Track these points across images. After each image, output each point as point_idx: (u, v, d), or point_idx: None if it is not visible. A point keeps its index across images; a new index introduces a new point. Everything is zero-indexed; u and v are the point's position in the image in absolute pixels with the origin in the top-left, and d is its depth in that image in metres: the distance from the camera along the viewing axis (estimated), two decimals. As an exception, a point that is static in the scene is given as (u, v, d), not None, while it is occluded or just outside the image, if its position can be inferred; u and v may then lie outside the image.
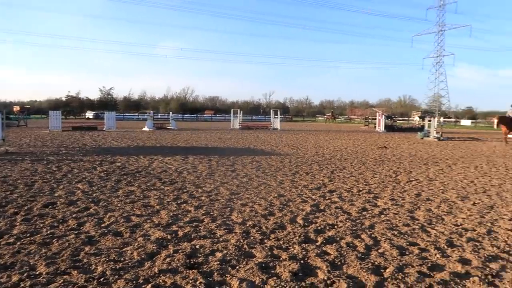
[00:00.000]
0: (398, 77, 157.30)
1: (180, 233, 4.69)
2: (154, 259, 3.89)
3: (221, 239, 4.51)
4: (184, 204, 6.14)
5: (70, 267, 3.63)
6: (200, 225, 5.06)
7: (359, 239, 4.64)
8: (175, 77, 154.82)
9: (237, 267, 3.71)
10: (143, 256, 3.93)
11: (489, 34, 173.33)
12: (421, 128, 30.29)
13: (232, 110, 37.33)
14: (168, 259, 3.86)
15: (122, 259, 3.85)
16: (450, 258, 4.11)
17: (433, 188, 8.03)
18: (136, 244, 4.29)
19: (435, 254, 4.19)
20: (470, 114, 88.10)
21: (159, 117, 59.14)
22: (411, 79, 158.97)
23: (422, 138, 24.58)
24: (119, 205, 6.00)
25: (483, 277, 3.60)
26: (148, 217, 5.39)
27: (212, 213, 5.64)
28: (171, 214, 5.54)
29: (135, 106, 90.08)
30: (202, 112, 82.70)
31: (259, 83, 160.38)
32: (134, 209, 5.79)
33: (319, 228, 5.05)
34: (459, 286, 3.43)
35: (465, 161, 13.14)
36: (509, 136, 21.85)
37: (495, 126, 22.99)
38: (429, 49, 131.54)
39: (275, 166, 10.74)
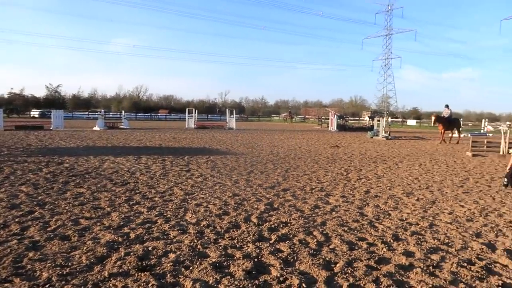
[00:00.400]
0: (349, 78, 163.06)
1: (132, 235, 4.57)
2: (104, 262, 3.77)
3: (174, 240, 4.46)
4: (137, 206, 5.99)
5: (12, 274, 3.43)
6: (153, 226, 4.96)
7: (311, 236, 4.76)
8: (128, 75, 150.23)
9: (191, 268, 3.68)
10: (92, 260, 3.79)
11: (432, 39, 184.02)
12: (371, 128, 31.56)
13: (187, 109, 36.82)
14: (119, 262, 3.75)
15: (69, 264, 3.69)
16: (396, 251, 4.33)
17: (381, 185, 8.41)
18: (85, 248, 4.13)
19: (382, 248, 4.40)
20: (416, 114, 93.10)
21: (111, 116, 57.09)
22: (361, 80, 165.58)
23: (371, 137, 25.62)
24: (66, 208, 5.74)
25: (425, 268, 3.83)
26: (98, 219, 5.20)
27: (165, 214, 5.55)
28: (123, 216, 5.39)
29: (85, 104, 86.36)
30: (156, 111, 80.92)
31: (215, 82, 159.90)
32: (83, 211, 5.57)
33: (273, 226, 5.13)
34: (403, 278, 3.63)
35: (411, 159, 13.87)
36: (453, 135, 23.32)
37: (432, 123, 24.03)
38: (378, 52, 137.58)
39: (230, 165, 10.75)
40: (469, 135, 28.49)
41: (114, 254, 3.97)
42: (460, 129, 24.58)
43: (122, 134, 23.14)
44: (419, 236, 4.90)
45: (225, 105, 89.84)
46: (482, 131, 36.55)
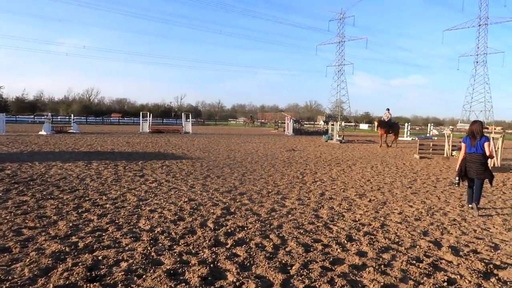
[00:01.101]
0: (305, 83, 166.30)
1: (81, 245, 4.34)
2: (49, 274, 3.54)
3: (126, 248, 4.28)
4: (86, 213, 5.71)
5: None
6: (103, 234, 4.74)
7: (268, 239, 4.76)
8: (78, 77, 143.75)
9: (144, 276, 3.55)
10: (36, 273, 3.55)
11: (382, 47, 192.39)
12: (326, 132, 32.38)
13: (141, 113, 35.85)
14: (65, 274, 3.54)
15: (9, 277, 3.43)
16: (349, 251, 4.43)
17: (336, 187, 8.61)
18: (28, 259, 3.86)
19: (337, 249, 4.48)
20: (367, 119, 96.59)
21: (59, 120, 54.37)
22: (316, 85, 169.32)
23: (326, 141, 26.27)
24: (7, 217, 5.35)
25: (377, 267, 3.95)
26: (43, 229, 4.89)
27: (117, 221, 5.33)
28: (71, 224, 5.11)
29: (30, 108, 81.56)
30: (109, 115, 78.12)
31: (171, 85, 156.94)
32: (27, 221, 5.21)
33: (229, 230, 5.08)
34: (356, 277, 3.71)
35: (363, 161, 14.35)
36: (399, 139, 24.20)
37: (375, 128, 23.97)
38: (332, 58, 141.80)
39: (186, 170, 10.57)
40: (416, 138, 30.00)
41: (61, 265, 3.74)
42: (398, 133, 24.45)
43: (71, 138, 22.08)
44: (371, 236, 5.05)
45: (181, 109, 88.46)
46: (428, 134, 38.61)
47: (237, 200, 6.94)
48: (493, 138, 12.33)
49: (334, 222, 5.68)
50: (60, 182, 8.16)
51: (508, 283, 3.69)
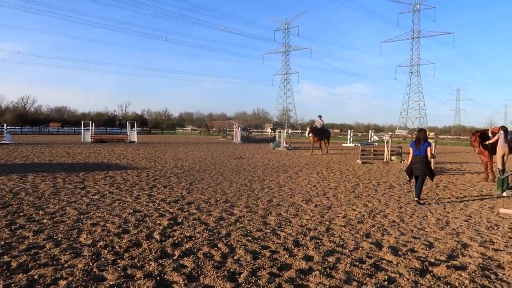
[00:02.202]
0: (252, 91, 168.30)
1: (14, 264, 4.03)
2: (-24, 299, 3.25)
3: (66, 265, 4.04)
4: (20, 230, 5.32)
5: None
6: (40, 252, 4.45)
7: (216, 248, 4.73)
8: (11, 84, 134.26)
9: (85, 294, 3.37)
10: (-40, 298, 3.25)
11: (326, 57, 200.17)
12: (273, 139, 32.88)
13: (82, 122, 34.21)
14: (-4, 297, 3.27)
15: None
16: (297, 256, 4.52)
17: (283, 194, 8.76)
18: (-48, 284, 3.52)
19: (284, 255, 4.55)
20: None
21: (-10, 130, 50.39)
22: (263, 94, 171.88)
23: (274, 148, 26.66)
24: None
25: (322, 270, 4.06)
26: (-30, 249, 4.48)
27: (55, 237, 5.03)
28: (2, 242, 4.73)
29: (-45, 117, 74.85)
30: (47, 124, 73.71)
31: (114, 93, 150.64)
32: (-50, 241, 4.76)
33: (176, 241, 4.98)
34: (303, 282, 3.79)
35: (309, 168, 14.74)
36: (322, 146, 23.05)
37: (307, 135, 23.55)
38: (278, 67, 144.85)
39: (131, 180, 10.22)
40: (358, 144, 31.38)
41: (-10, 288, 3.45)
42: (329, 139, 24.13)
43: (3, 150, 20.50)
44: (317, 241, 5.19)
45: (126, 118, 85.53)
46: (369, 140, 40.56)
47: (185, 210, 6.83)
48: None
49: (282, 228, 5.77)
50: (-10, 197, 7.54)
51: (442, 278, 3.96)
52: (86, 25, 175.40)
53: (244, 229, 5.67)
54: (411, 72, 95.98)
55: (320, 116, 23.41)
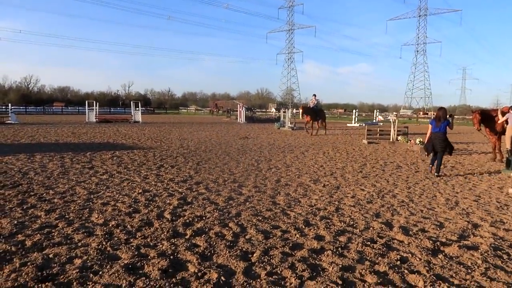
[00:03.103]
0: (256, 71, 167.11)
1: (29, 243, 4.07)
2: (-6, 277, 3.28)
3: (79, 244, 4.08)
4: (32, 209, 5.36)
5: None
6: (53, 231, 4.48)
7: (227, 228, 4.75)
8: (14, 64, 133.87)
9: (100, 273, 3.40)
10: (-22, 276, 3.28)
11: (330, 35, 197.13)
12: (278, 119, 32.76)
13: (86, 102, 34.15)
14: (13, 275, 3.30)
15: None
16: (308, 236, 4.53)
17: (290, 174, 8.76)
18: (-32, 262, 3.55)
19: (295, 234, 4.56)
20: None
21: (-5, 110, 50.51)
22: (267, 73, 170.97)
23: (278, 128, 26.59)
24: None
25: (334, 250, 4.07)
26: (-17, 228, 4.52)
27: (67, 216, 5.06)
28: (15, 222, 4.77)
29: (-42, 97, 74.92)
30: (51, 104, 73.75)
31: (117, 73, 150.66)
32: (-36, 220, 4.80)
33: (187, 221, 5.00)
34: (316, 261, 3.80)
35: (315, 148, 14.71)
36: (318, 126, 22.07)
37: (300, 116, 22.24)
38: (282, 46, 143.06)
39: (138, 160, 10.25)
40: (364, 124, 31.23)
41: (7, 266, 3.48)
42: (325, 119, 23.13)
43: (9, 130, 20.58)
44: (328, 220, 5.19)
45: (129, 98, 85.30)
46: (374, 120, 40.34)
47: (194, 190, 6.85)
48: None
49: (291, 208, 5.78)
50: None
51: (454, 258, 3.96)
52: (87, 3, 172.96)
53: (254, 209, 5.69)
54: (417, 51, 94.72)
55: (314, 95, 22.61)
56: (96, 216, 5.09)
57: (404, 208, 5.99)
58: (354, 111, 40.50)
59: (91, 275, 3.36)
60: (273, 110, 59.49)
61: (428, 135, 9.13)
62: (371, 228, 4.90)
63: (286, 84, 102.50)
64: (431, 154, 9.20)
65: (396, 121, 18.03)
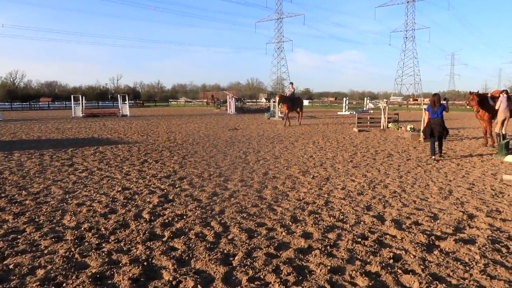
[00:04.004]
0: (245, 61, 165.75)
1: (-11, 252, 3.72)
2: None
3: (45, 252, 3.73)
4: (0, 213, 4.98)
5: None
6: (19, 237, 4.13)
7: (209, 227, 4.43)
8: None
9: (64, 285, 3.07)
10: None
11: (319, 23, 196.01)
12: (268, 109, 32.38)
13: (72, 96, 33.36)
14: (-35, 291, 2.96)
15: None
16: (295, 234, 4.23)
17: (279, 165, 8.45)
18: None
19: (281, 232, 4.27)
20: (308, 94, 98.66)
21: (-21, 107, 49.37)
22: (257, 63, 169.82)
23: (269, 118, 26.23)
24: None
25: (323, 249, 3.78)
26: None
27: (37, 220, 4.70)
28: (-21, 228, 4.40)
29: None
30: (37, 99, 72.35)
31: (105, 66, 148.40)
32: None
33: (166, 221, 4.67)
34: (303, 262, 3.51)
35: (305, 137, 14.41)
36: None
37: (277, 106, 21.11)
38: (271, 35, 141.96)
39: (122, 156, 9.86)
40: (354, 112, 31.00)
41: (-40, 281, 3.14)
42: (303, 108, 21.86)
43: (-9, 127, 19.96)
44: (316, 215, 4.90)
45: (118, 91, 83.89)
46: (364, 108, 40.15)
47: (176, 186, 6.51)
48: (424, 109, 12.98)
49: (278, 203, 5.48)
50: (-29, 177, 7.17)
51: (450, 254, 3.69)
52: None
53: (238, 205, 5.38)
54: (406, 37, 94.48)
55: (291, 83, 22.12)
56: (68, 219, 4.74)
57: (396, 199, 5.72)
58: (344, 99, 40.25)
59: (53, 287, 3.03)
60: (264, 100, 58.85)
61: (426, 121, 9.65)
62: (362, 223, 4.62)
63: (276, 73, 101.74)
64: (429, 144, 9.64)
65: (387, 108, 17.80)
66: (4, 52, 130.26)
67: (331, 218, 4.80)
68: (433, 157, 9.20)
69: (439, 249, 3.81)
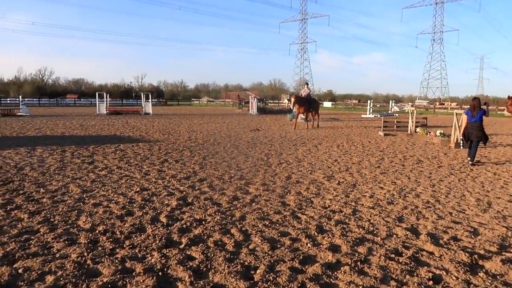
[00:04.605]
0: (268, 61, 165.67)
1: (0, 253, 3.55)
2: None
3: (57, 255, 3.54)
4: (16, 211, 4.86)
5: None
6: (32, 238, 3.96)
7: (229, 235, 4.16)
8: (29, 56, 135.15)
9: (72, 295, 2.85)
10: None
11: (344, 24, 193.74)
12: (290, 110, 31.95)
13: (97, 94, 33.84)
14: (-31, 297, 2.78)
15: None
16: (321, 246, 3.91)
17: (302, 169, 8.11)
18: None
19: (307, 244, 3.95)
20: (331, 96, 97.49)
21: (8, 102, 50.86)
22: (280, 64, 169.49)
23: (291, 120, 25.83)
24: None
25: (353, 265, 3.44)
26: (-44, 234, 4.03)
27: (52, 220, 4.54)
28: (-7, 226, 4.27)
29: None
30: (64, 96, 74.17)
31: (130, 65, 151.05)
32: None
33: (184, 226, 4.42)
34: (331, 279, 3.19)
35: (329, 140, 14.00)
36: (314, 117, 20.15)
37: (291, 106, 19.99)
38: (295, 36, 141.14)
39: (142, 154, 9.73)
40: (379, 115, 30.27)
41: (-34, 285, 2.97)
42: (318, 110, 20.86)
43: (18, 122, 20.36)
44: (344, 226, 4.56)
45: (142, 89, 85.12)
46: (389, 111, 39.21)
47: (196, 188, 6.28)
48: (456, 113, 12.42)
49: (303, 210, 5.16)
50: (-8, 173, 7.14)
51: (498, 276, 3.30)
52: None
53: (260, 211, 5.08)
54: (433, 40, 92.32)
55: (307, 84, 21.42)
56: (84, 220, 4.56)
57: (430, 210, 5.31)
58: (368, 101, 39.42)
59: (61, 298, 2.82)
60: (286, 101, 58.26)
61: (464, 126, 9.31)
62: (394, 236, 4.25)
63: (299, 74, 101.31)
64: (467, 150, 9.36)
65: (415, 112, 17.17)
66: (34, 50, 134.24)
67: (360, 229, 4.45)
68: (470, 162, 9.02)
69: (484, 270, 3.41)
